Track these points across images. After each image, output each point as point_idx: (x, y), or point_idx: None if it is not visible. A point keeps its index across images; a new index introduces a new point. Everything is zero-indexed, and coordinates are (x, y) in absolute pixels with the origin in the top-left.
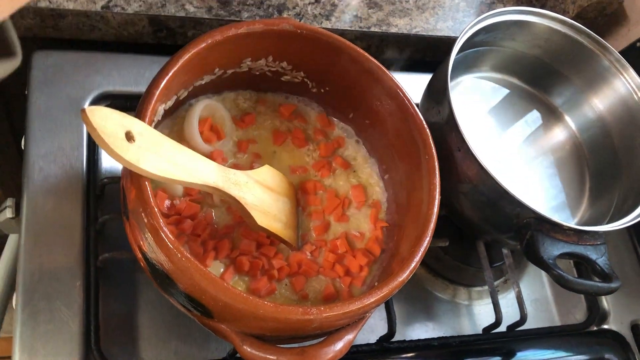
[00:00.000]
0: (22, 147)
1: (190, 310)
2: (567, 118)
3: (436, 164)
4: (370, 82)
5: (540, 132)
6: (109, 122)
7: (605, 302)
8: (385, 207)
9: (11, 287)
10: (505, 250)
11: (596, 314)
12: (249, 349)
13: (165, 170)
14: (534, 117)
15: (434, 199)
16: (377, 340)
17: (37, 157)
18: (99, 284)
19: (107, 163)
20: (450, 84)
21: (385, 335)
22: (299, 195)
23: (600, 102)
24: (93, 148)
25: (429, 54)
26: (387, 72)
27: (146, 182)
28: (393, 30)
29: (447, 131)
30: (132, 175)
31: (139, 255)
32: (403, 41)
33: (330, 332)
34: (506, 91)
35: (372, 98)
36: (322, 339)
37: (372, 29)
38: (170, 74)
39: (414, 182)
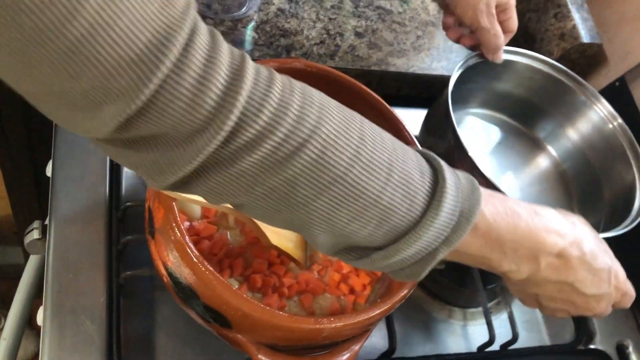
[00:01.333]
0: (47, 172)
1: (209, 322)
2: (550, 148)
3: None
4: (372, 116)
5: (527, 162)
6: None
7: (592, 323)
8: None
9: (30, 308)
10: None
11: (583, 335)
12: (264, 358)
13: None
14: (520, 149)
15: None
16: (379, 356)
17: (64, 181)
18: (121, 299)
19: (128, 187)
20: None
21: (387, 351)
22: None
23: (578, 132)
24: (116, 173)
25: (424, 91)
26: (389, 107)
27: (173, 203)
28: (392, 69)
29: (454, 157)
30: (160, 197)
31: (163, 271)
32: (401, 79)
33: (337, 343)
34: (493, 126)
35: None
36: (329, 349)
37: (372, 68)
38: None
39: None
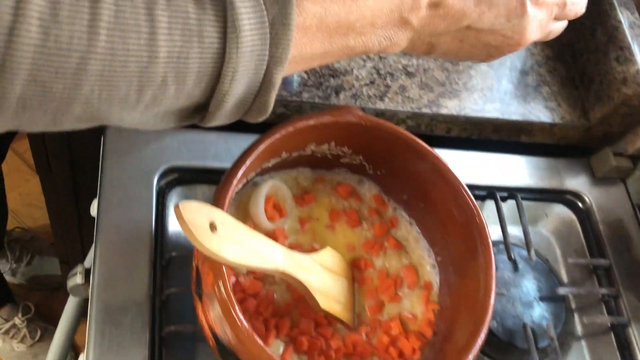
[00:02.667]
0: (92, 211)
1: None
2: None
3: (492, 254)
4: (426, 170)
5: None
6: (196, 215)
7: None
8: (437, 288)
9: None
10: (551, 333)
11: None
12: None
13: (241, 256)
14: None
15: (490, 291)
16: None
17: (108, 227)
18: (162, 353)
19: (173, 235)
20: None
21: None
22: (354, 274)
23: None
24: (161, 220)
25: (475, 132)
26: (444, 161)
27: (223, 268)
28: (443, 111)
29: None
30: (210, 261)
31: (209, 334)
32: (452, 121)
33: None
34: None
35: (428, 184)
36: None
37: (423, 110)
38: (246, 164)
39: (468, 269)
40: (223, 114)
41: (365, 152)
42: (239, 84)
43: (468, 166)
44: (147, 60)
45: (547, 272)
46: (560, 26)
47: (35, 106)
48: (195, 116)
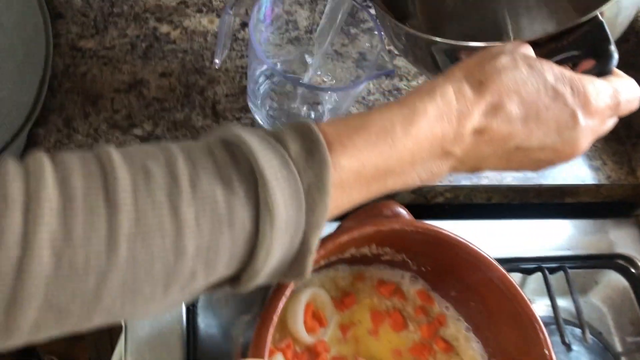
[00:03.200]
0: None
1: None
2: None
3: (554, 356)
4: (477, 271)
5: None
6: None
7: None
8: None
9: None
10: None
11: None
12: None
13: None
14: None
15: None
16: None
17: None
18: None
19: (204, 335)
20: None
21: None
22: None
23: None
24: (192, 317)
25: (516, 198)
26: (495, 262)
27: None
28: (484, 181)
29: None
30: None
31: None
32: (493, 190)
33: None
34: None
35: (479, 284)
36: None
37: (462, 182)
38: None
39: None
40: (255, 284)
41: (408, 252)
42: (273, 258)
43: (512, 236)
44: (174, 260)
45: (602, 351)
46: (613, 123)
47: (50, 326)
48: (225, 287)
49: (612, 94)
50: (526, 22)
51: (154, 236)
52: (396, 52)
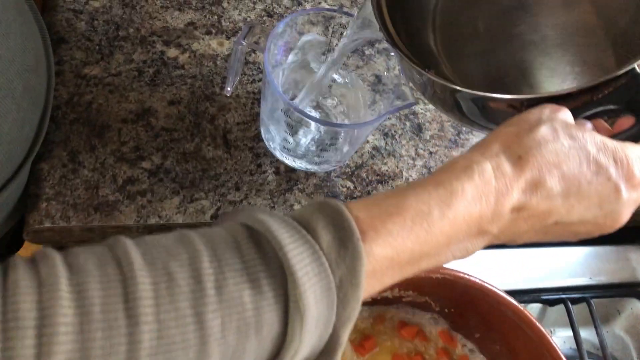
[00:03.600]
0: None
1: None
2: None
3: None
4: (503, 316)
5: None
6: None
7: None
8: None
9: None
10: None
11: None
12: None
13: None
14: None
15: None
16: None
17: None
18: None
19: None
20: None
21: None
22: None
23: None
24: None
25: None
26: (524, 310)
27: None
28: None
29: None
30: None
31: None
32: None
33: None
34: None
35: (502, 325)
36: None
37: None
38: None
39: None
40: None
41: (430, 293)
42: (300, 357)
43: (533, 265)
44: None
45: None
46: None
47: None
48: None
49: None
50: (558, 71)
51: (176, 348)
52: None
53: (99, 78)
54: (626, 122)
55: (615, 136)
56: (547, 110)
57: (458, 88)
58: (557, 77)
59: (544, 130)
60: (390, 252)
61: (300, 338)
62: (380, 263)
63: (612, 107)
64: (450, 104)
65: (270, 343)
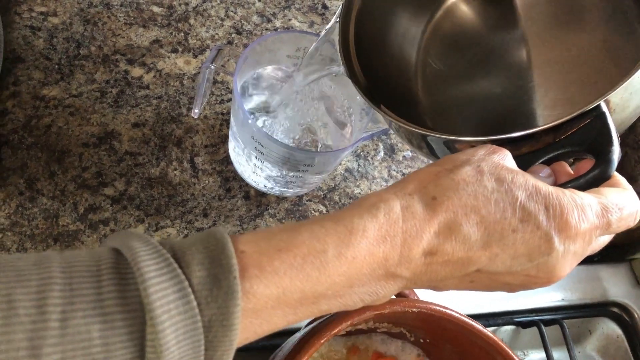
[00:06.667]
0: None
1: None
2: None
3: None
4: (473, 343)
5: None
6: None
7: None
8: None
9: None
10: None
11: None
12: None
13: None
14: None
15: None
16: None
17: None
18: None
19: None
20: None
21: None
22: None
23: None
24: None
25: None
26: (498, 340)
27: None
28: None
29: None
30: None
31: None
32: None
33: None
34: None
35: (478, 354)
36: None
37: None
38: None
39: None
40: None
41: (406, 325)
42: None
43: None
44: None
45: None
46: (604, 241)
47: None
48: None
49: (600, 213)
50: (526, 111)
51: None
52: None
53: (58, 99)
54: (587, 164)
55: (573, 180)
56: (481, 150)
57: (421, 132)
58: (534, 119)
59: (466, 171)
60: (276, 291)
61: None
62: (263, 302)
63: (575, 149)
64: (422, 145)
65: None
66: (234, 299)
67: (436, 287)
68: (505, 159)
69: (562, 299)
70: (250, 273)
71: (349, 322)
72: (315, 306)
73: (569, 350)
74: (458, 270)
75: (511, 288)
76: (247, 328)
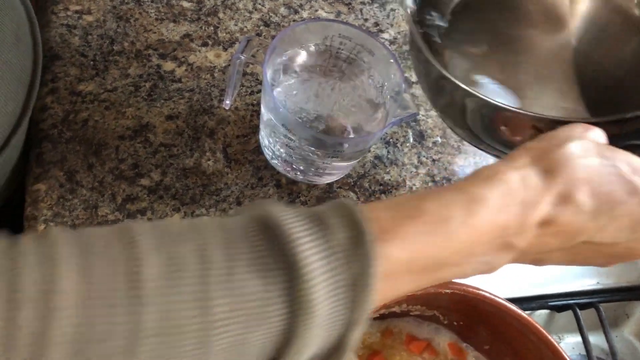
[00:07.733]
0: None
1: None
2: None
3: None
4: (514, 329)
5: None
6: None
7: None
8: None
9: None
10: None
11: None
12: None
13: None
14: None
15: None
16: None
17: None
18: None
19: None
20: None
21: None
22: None
23: None
24: None
25: None
26: (534, 322)
27: None
28: None
29: None
30: None
31: None
32: None
33: None
34: None
35: (516, 341)
36: None
37: None
38: None
39: None
40: None
41: (439, 308)
42: (303, 356)
43: (543, 271)
44: (199, 358)
45: None
46: None
47: None
48: None
49: None
50: (590, 98)
51: (180, 332)
52: (413, 79)
53: (94, 94)
54: None
55: None
56: (578, 128)
57: (491, 100)
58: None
59: (573, 147)
60: (407, 255)
61: (304, 336)
62: (395, 266)
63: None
64: (456, 109)
65: (274, 338)
66: (373, 261)
67: (540, 261)
68: (600, 136)
69: (597, 283)
70: (384, 238)
71: (382, 304)
72: (435, 274)
73: (605, 334)
74: (567, 242)
75: (609, 261)
76: (380, 292)
